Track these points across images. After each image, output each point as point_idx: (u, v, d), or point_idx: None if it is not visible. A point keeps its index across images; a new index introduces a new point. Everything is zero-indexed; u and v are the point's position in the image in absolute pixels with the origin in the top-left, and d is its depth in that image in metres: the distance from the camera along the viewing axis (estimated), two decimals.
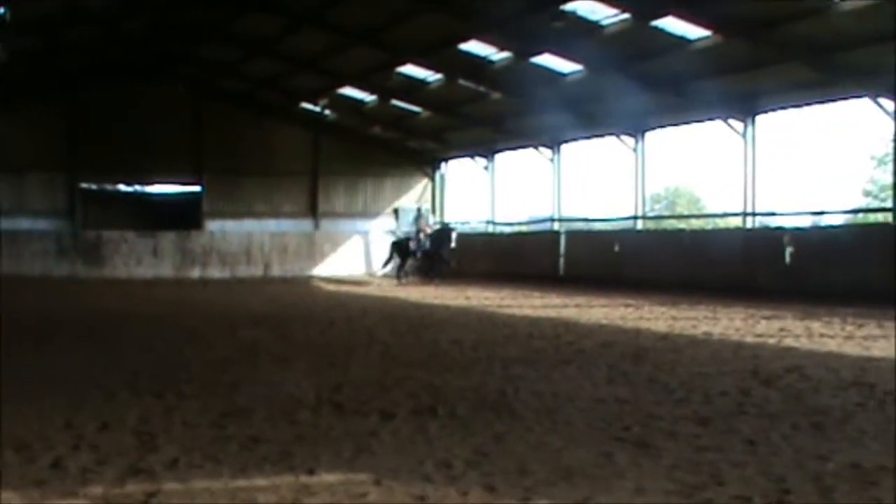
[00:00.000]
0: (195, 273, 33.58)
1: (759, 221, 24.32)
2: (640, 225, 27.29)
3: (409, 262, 30.05)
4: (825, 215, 26.05)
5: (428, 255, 29.36)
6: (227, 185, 35.11)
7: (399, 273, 29.47)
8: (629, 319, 15.75)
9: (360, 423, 7.01)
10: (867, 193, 48.50)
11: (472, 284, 26.88)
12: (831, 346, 11.76)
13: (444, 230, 30.00)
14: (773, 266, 21.22)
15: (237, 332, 13.95)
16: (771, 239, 21.89)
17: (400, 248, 30.10)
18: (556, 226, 29.92)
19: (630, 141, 26.81)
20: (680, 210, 57.13)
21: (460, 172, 38.31)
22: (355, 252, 35.77)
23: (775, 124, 38.56)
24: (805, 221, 25.67)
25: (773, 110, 23.07)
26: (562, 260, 28.43)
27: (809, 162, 64.97)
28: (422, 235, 29.56)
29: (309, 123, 35.67)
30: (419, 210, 33.79)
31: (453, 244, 28.89)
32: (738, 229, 24.55)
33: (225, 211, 35.26)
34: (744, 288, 21.15)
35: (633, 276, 24.97)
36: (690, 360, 10.56)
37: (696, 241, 24.90)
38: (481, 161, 34.40)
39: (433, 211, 36.88)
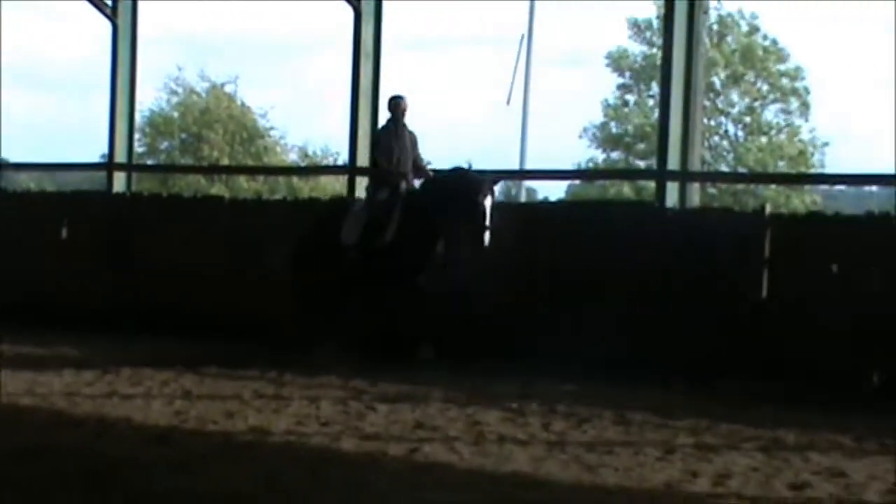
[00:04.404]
0: None
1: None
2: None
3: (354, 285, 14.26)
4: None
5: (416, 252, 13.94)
6: None
7: (317, 326, 14.15)
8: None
9: None
10: None
11: None
12: None
13: (466, 177, 14.59)
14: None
15: None
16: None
17: (330, 228, 14.47)
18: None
19: None
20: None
21: None
22: None
23: None
24: None
25: None
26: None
27: None
28: (402, 185, 14.48)
29: None
30: (394, 100, 15.01)
31: (488, 220, 13.99)
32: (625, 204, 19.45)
33: None
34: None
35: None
36: None
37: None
38: None
39: None
